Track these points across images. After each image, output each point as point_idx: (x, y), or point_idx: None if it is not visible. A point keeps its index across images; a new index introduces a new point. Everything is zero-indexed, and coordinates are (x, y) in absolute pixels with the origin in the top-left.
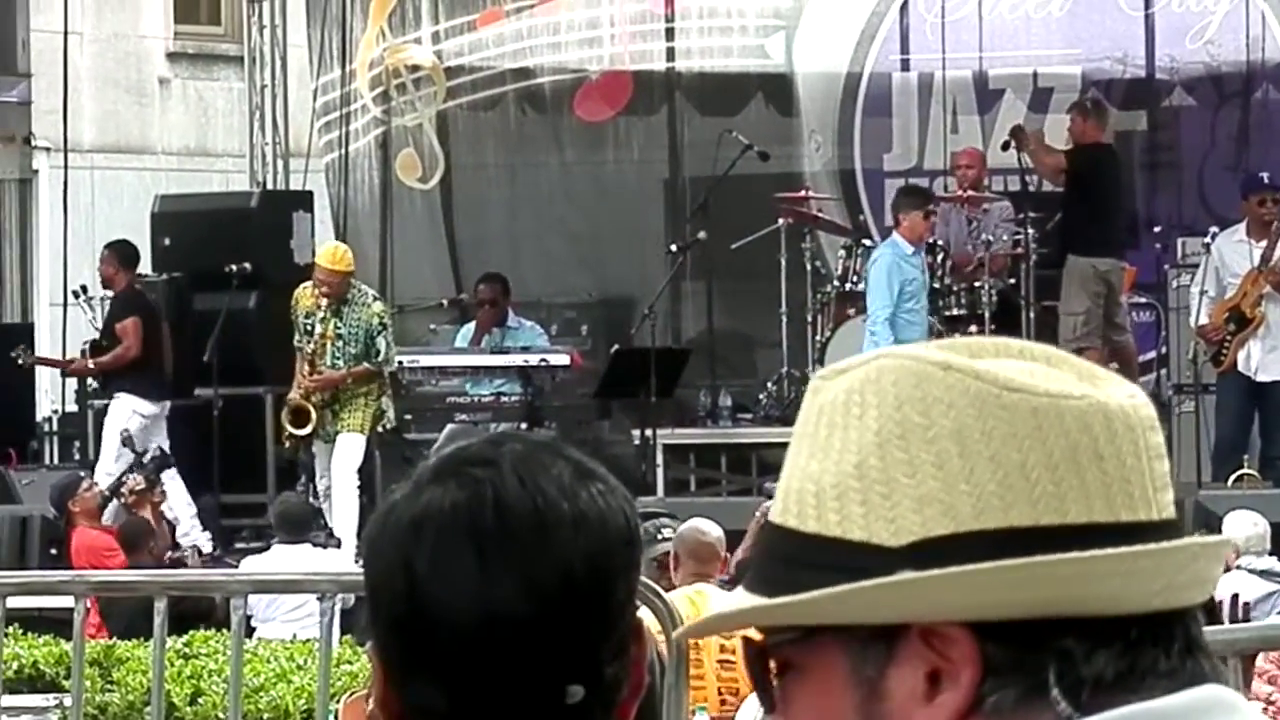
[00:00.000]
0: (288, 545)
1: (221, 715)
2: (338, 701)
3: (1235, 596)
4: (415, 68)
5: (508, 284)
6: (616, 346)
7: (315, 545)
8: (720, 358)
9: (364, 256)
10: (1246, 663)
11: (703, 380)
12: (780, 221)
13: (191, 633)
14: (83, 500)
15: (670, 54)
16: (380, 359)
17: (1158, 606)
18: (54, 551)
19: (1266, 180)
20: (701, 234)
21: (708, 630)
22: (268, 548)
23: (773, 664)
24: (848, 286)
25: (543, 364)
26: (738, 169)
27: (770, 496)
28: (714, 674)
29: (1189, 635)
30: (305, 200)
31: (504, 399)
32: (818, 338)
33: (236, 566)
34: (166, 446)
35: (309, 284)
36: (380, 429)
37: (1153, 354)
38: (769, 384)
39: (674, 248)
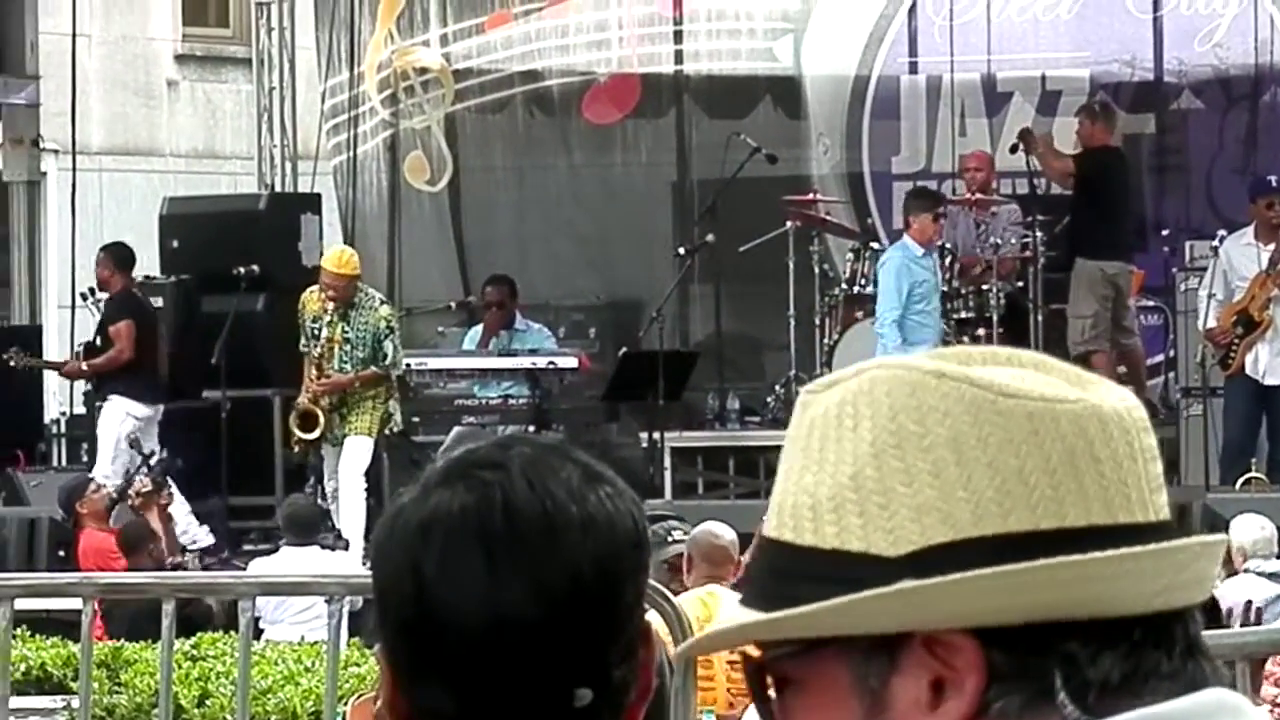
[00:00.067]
0: (296, 547)
1: (229, 717)
2: (345, 704)
3: (1249, 603)
4: (423, 70)
5: (515, 286)
6: (624, 349)
7: (323, 548)
8: (728, 360)
9: (372, 259)
10: (1255, 666)
11: (711, 383)
12: (788, 224)
13: (199, 635)
14: (90, 502)
15: (678, 57)
16: (388, 363)
17: (1159, 607)
18: (62, 553)
19: (1274, 183)
20: (709, 237)
21: (707, 648)
22: (276, 550)
23: (771, 679)
24: (856, 289)
25: (550, 367)
26: (746, 172)
27: None
28: (724, 674)
29: (1189, 636)
30: (313, 202)
31: (512, 402)
32: (826, 340)
33: (244, 569)
34: (158, 449)
35: (315, 288)
36: (388, 432)
37: (1161, 357)
38: (777, 387)
39: (682, 250)
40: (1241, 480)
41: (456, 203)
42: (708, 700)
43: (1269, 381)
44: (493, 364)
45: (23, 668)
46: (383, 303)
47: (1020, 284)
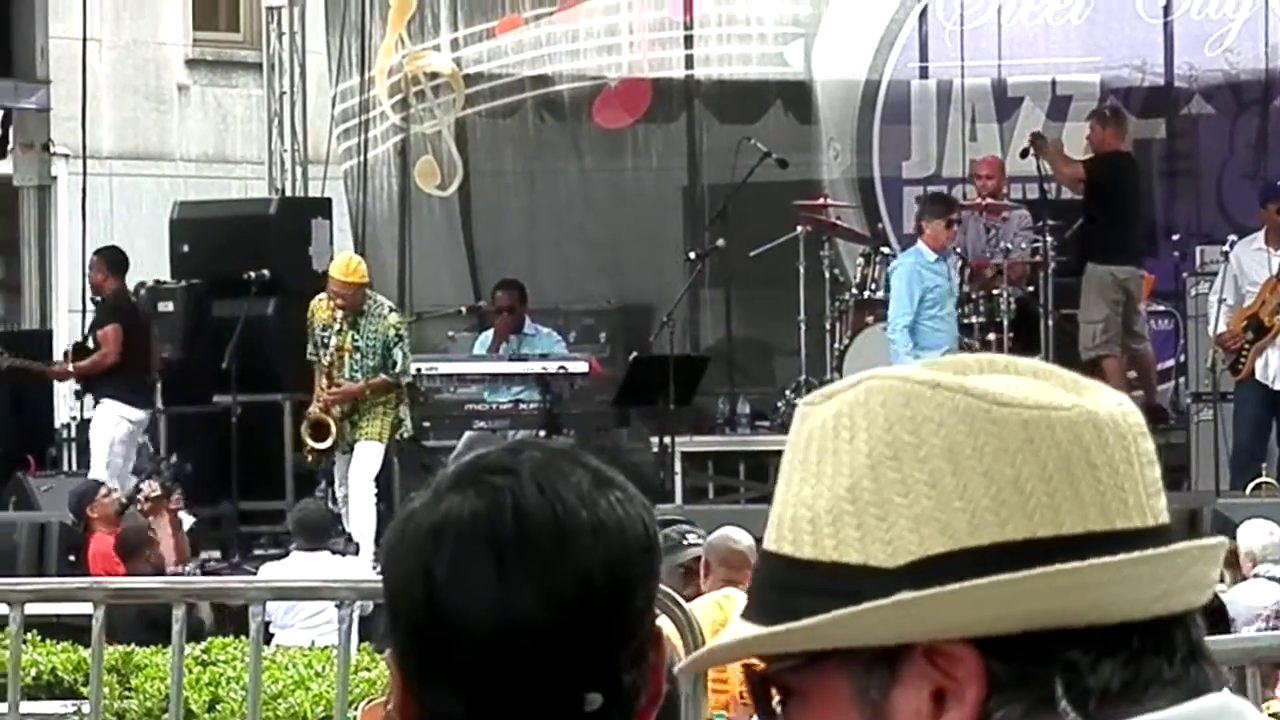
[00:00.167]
0: (306, 552)
1: None
2: (356, 708)
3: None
4: (434, 75)
5: (525, 291)
6: (635, 354)
7: (334, 553)
8: (739, 365)
9: (382, 263)
10: (1267, 670)
11: (721, 388)
12: (799, 229)
13: (210, 639)
14: (101, 507)
15: (689, 61)
16: (397, 370)
17: (1158, 612)
18: (72, 558)
19: None
20: (720, 241)
21: (709, 662)
22: (286, 554)
23: (775, 691)
24: (866, 294)
25: (561, 371)
26: (756, 176)
27: None
28: (738, 676)
29: (1191, 641)
30: (324, 207)
31: (522, 406)
32: (836, 345)
33: (254, 573)
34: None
35: (324, 296)
36: (398, 437)
37: (1171, 362)
38: (787, 391)
39: (692, 255)
40: (1252, 485)
41: (467, 207)
42: (720, 703)
43: (1279, 387)
44: (503, 369)
45: (33, 673)
46: (391, 310)
47: (1031, 289)
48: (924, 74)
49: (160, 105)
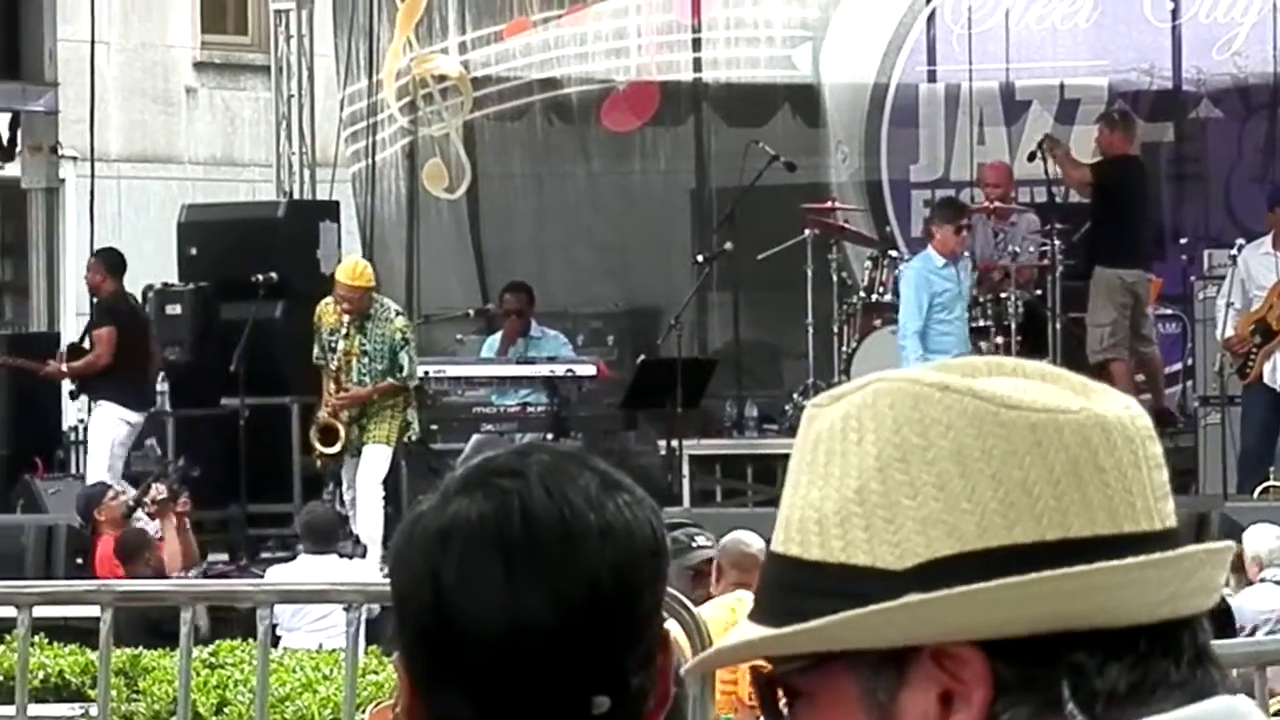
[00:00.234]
0: (314, 555)
1: None
2: (364, 711)
3: None
4: (442, 78)
5: (533, 293)
6: (643, 357)
7: (341, 555)
8: (746, 368)
9: (390, 266)
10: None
11: (729, 391)
12: (807, 232)
13: (218, 642)
14: (108, 509)
15: (697, 64)
16: (404, 374)
17: (1165, 616)
18: (80, 561)
19: None
20: (728, 244)
21: (716, 663)
22: (294, 557)
23: (781, 693)
24: (874, 297)
25: (569, 374)
26: (764, 179)
27: None
28: (746, 677)
29: (1197, 645)
30: (332, 210)
31: (530, 409)
32: (844, 348)
33: (262, 576)
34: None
35: (330, 300)
36: (406, 440)
37: (1179, 366)
38: (795, 395)
39: (700, 258)
40: (1259, 489)
41: (475, 210)
42: (727, 704)
43: None
44: (511, 371)
45: (41, 675)
46: (398, 314)
47: (1039, 292)
48: (932, 77)
49: (168, 108)
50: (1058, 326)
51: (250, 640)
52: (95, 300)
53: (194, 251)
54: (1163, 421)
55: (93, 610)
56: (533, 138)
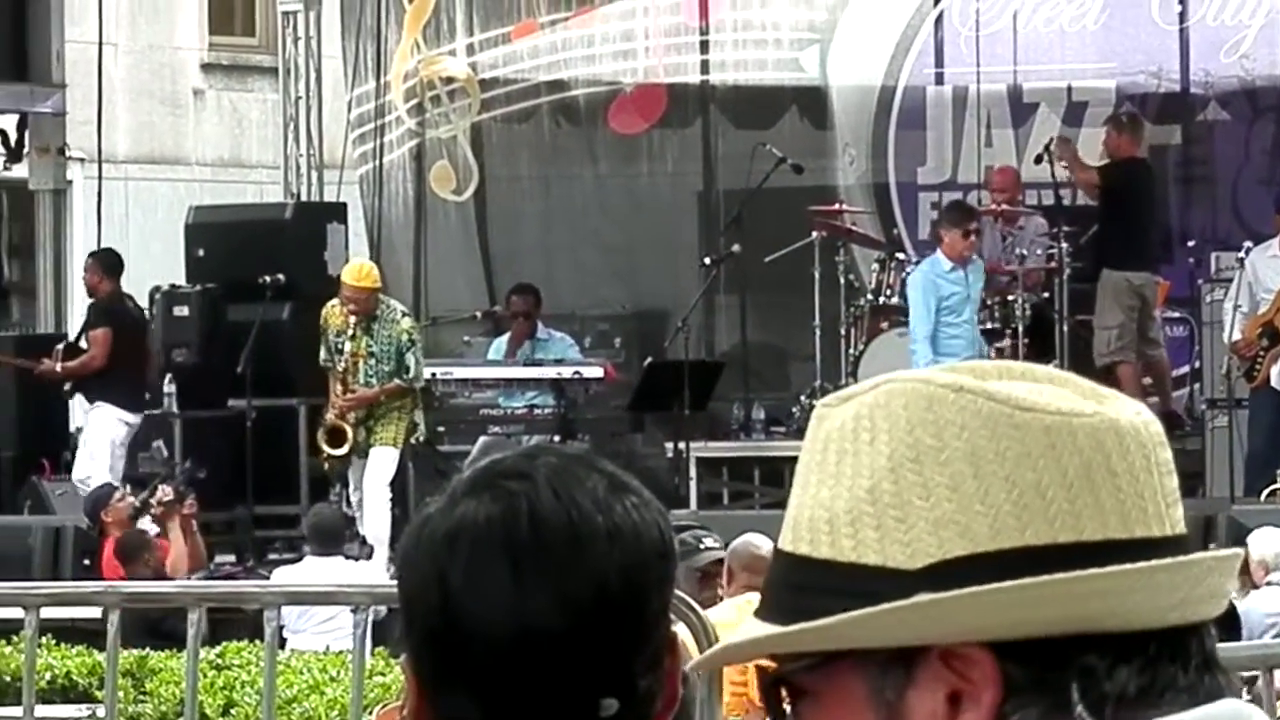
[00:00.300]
0: (320, 557)
1: None
2: (370, 713)
3: None
4: (450, 80)
5: (540, 296)
6: (650, 359)
7: (348, 557)
8: (754, 371)
9: (398, 268)
10: None
11: (736, 393)
12: (814, 235)
13: (225, 644)
14: (115, 510)
15: (704, 67)
16: (411, 376)
17: (1174, 621)
18: (86, 562)
19: None
20: (735, 247)
21: (722, 661)
22: (300, 559)
23: (786, 691)
24: (881, 300)
25: (576, 376)
26: (771, 182)
27: None
28: (754, 670)
29: (1205, 651)
30: (339, 212)
31: (537, 411)
32: (851, 351)
33: (268, 578)
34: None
35: (336, 301)
36: (413, 441)
37: (1186, 369)
38: (802, 397)
39: (708, 260)
40: (1267, 492)
41: (482, 212)
42: (739, 706)
43: None
44: (518, 374)
45: (48, 676)
46: (404, 315)
47: (1046, 295)
48: (939, 80)
49: (176, 109)
50: (1065, 329)
51: (257, 642)
52: (92, 301)
53: (201, 253)
54: (1170, 424)
55: (99, 611)
56: (540, 140)
